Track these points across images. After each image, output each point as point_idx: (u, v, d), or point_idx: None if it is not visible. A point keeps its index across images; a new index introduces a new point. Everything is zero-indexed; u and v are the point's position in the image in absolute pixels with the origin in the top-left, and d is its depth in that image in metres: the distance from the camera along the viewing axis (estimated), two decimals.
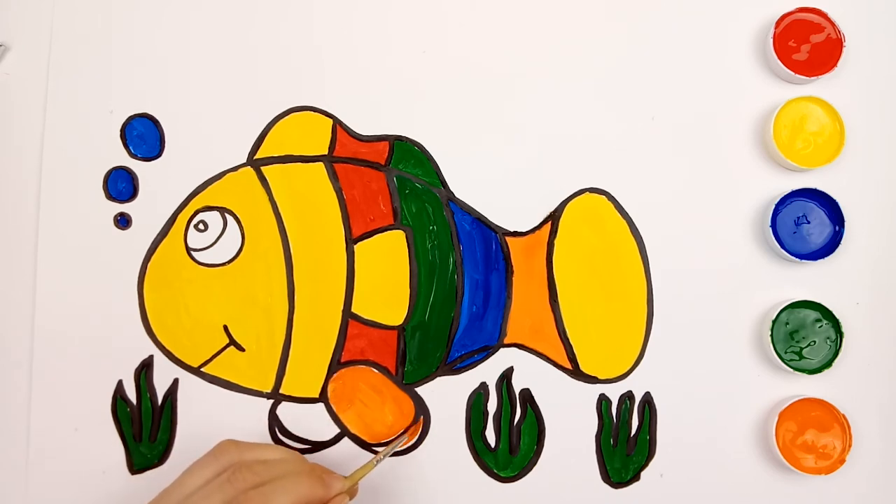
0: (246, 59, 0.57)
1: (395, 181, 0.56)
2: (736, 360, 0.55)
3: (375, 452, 0.54)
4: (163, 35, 0.57)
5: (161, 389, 0.55)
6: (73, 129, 0.56)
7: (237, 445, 0.49)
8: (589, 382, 0.55)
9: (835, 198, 0.54)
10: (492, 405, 0.55)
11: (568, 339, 0.55)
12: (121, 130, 0.56)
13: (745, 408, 0.55)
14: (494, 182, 0.56)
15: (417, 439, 0.55)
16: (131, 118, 0.56)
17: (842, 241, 0.54)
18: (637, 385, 0.55)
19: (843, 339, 0.54)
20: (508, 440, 0.55)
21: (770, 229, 0.54)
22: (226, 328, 0.55)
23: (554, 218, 0.56)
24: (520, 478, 0.54)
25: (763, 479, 0.54)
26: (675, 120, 0.56)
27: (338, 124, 0.57)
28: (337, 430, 0.55)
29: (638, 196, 0.56)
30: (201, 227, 0.56)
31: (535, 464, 0.54)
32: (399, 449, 0.54)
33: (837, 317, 0.54)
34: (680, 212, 0.56)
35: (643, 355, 0.55)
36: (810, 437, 0.53)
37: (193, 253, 0.55)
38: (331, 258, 0.55)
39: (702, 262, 0.55)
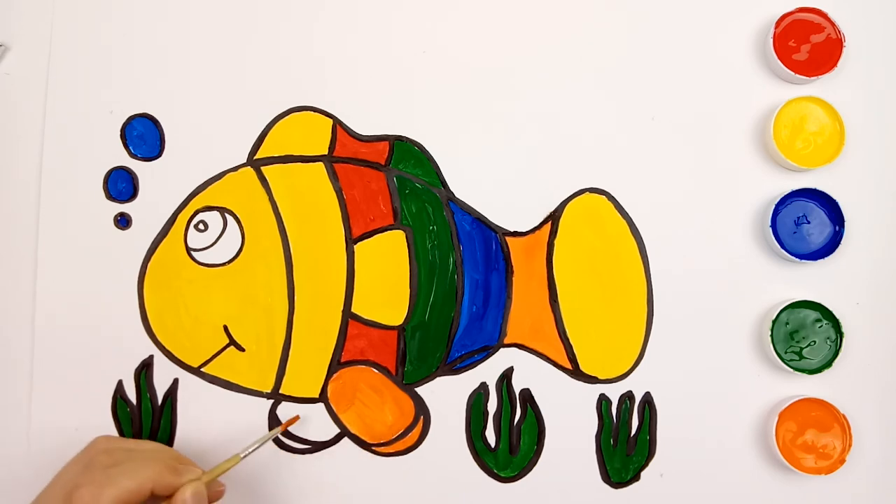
0: (246, 59, 0.57)
1: (395, 181, 0.56)
2: (736, 360, 0.55)
3: (376, 452, 0.54)
4: (163, 35, 0.57)
5: (161, 389, 0.55)
6: (73, 129, 0.56)
7: (108, 438, 0.51)
8: (589, 382, 0.55)
9: (835, 198, 0.54)
10: (492, 405, 0.55)
11: (568, 339, 0.55)
12: (121, 130, 0.56)
13: (745, 408, 0.55)
14: (494, 182, 0.56)
15: (418, 439, 0.55)
16: (131, 118, 0.56)
17: (842, 241, 0.54)
18: (637, 385, 0.55)
19: (843, 339, 0.54)
20: (508, 440, 0.55)
21: (770, 229, 0.54)
22: (226, 328, 0.55)
23: (554, 218, 0.56)
24: (520, 478, 0.54)
25: (763, 478, 0.54)
26: (675, 120, 0.56)
27: (338, 124, 0.57)
28: (337, 430, 0.55)
29: (638, 196, 0.56)
30: (201, 227, 0.56)
31: (535, 464, 0.54)
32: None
33: (837, 317, 0.54)
34: (680, 212, 0.56)
35: (643, 355, 0.55)
36: (810, 437, 0.53)
37: (193, 253, 0.55)
38: (331, 258, 0.55)
39: (702, 262, 0.55)
